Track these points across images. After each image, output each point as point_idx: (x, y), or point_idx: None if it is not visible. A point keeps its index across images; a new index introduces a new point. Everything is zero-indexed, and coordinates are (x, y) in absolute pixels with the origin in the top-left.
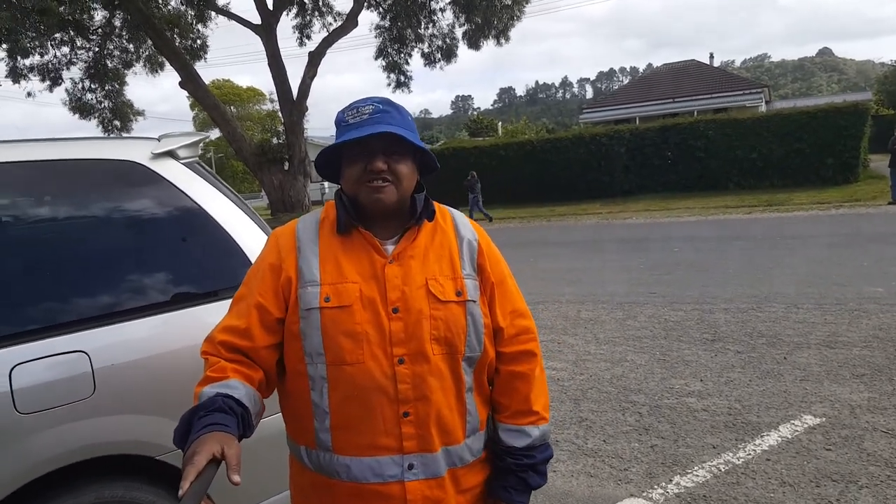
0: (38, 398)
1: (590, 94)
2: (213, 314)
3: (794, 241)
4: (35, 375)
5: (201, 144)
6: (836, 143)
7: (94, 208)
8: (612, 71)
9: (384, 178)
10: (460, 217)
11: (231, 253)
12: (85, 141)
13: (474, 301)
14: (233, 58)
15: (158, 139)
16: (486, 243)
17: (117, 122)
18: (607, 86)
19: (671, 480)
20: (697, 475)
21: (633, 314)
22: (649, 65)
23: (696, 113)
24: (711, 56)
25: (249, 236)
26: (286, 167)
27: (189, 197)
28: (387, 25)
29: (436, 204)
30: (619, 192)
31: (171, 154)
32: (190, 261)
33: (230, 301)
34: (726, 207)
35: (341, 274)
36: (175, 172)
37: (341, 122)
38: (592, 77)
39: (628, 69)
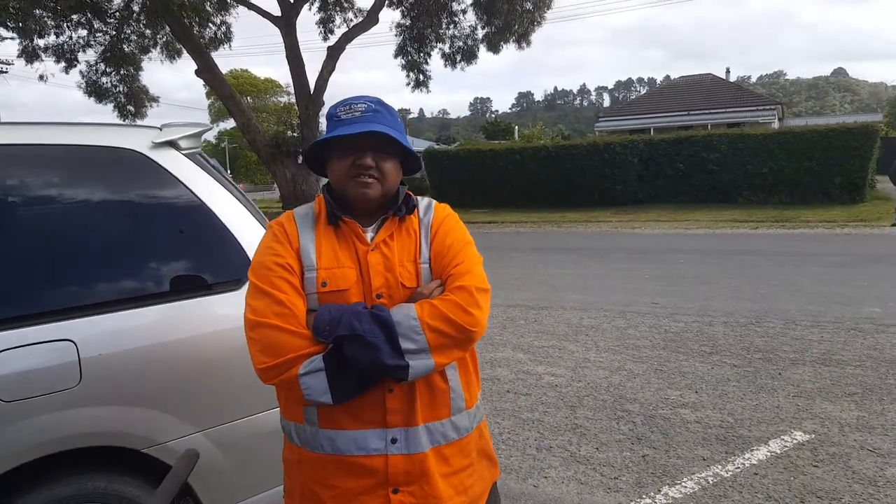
0: (22, 386)
1: (607, 102)
2: (207, 307)
3: (798, 259)
4: (20, 363)
5: (204, 135)
6: (845, 162)
7: (90, 196)
8: (629, 80)
9: (371, 174)
10: (425, 203)
11: (228, 247)
12: (85, 126)
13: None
14: (252, 48)
15: (160, 128)
16: (439, 219)
17: (131, 107)
18: (624, 95)
19: (660, 491)
20: (686, 486)
21: (635, 324)
22: (667, 76)
23: (709, 126)
24: (728, 70)
25: (248, 231)
26: (300, 161)
27: (188, 188)
28: (407, 24)
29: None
30: (632, 201)
31: (171, 144)
32: (186, 253)
33: (225, 295)
34: (735, 221)
35: (337, 260)
36: (175, 163)
37: (333, 116)
38: (610, 86)
39: (646, 80)
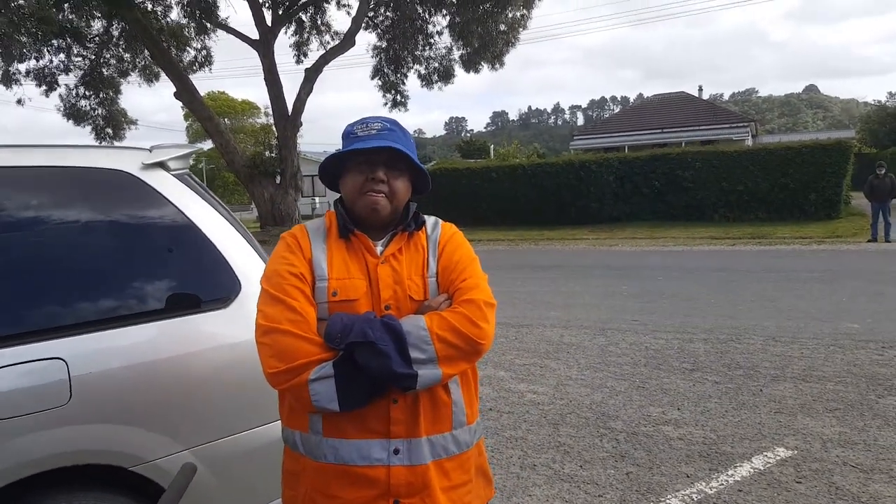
0: (12, 404)
1: (580, 121)
2: (197, 325)
3: (775, 275)
4: (10, 381)
5: (192, 156)
6: (820, 179)
7: (82, 216)
8: (603, 99)
9: (381, 190)
10: (432, 220)
11: (218, 265)
12: (75, 148)
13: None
14: (229, 70)
15: (150, 150)
16: (447, 235)
17: (110, 130)
18: (598, 114)
19: None
20: (670, 503)
21: (615, 341)
22: (640, 95)
23: (683, 144)
24: (700, 88)
25: (237, 250)
26: (278, 181)
27: (178, 208)
28: (383, 46)
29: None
30: (608, 219)
31: (161, 165)
32: (177, 271)
33: (214, 313)
34: (711, 238)
35: (348, 271)
36: (165, 184)
37: (350, 133)
38: (584, 105)
39: (619, 98)
